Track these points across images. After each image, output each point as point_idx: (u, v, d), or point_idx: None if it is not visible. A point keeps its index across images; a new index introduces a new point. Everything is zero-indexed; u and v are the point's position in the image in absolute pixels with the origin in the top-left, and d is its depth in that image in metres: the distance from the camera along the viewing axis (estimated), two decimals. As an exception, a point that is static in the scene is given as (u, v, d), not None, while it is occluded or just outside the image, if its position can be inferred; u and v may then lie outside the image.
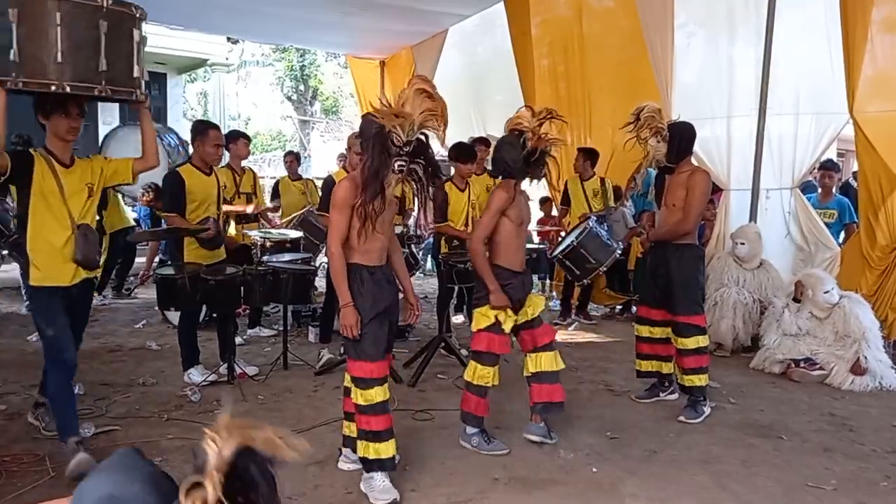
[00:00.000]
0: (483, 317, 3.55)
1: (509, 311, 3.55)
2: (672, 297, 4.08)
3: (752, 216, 5.90)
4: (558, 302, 7.35)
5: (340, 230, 2.98)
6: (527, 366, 3.70)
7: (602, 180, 6.82)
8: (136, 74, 3.24)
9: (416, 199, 3.10)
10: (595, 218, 6.16)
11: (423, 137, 2.91)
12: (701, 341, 4.06)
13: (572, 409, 4.22)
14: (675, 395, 4.36)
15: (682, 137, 3.99)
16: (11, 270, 6.85)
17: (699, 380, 4.05)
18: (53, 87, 2.98)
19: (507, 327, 3.55)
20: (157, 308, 6.78)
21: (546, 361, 3.65)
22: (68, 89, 3.00)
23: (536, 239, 7.98)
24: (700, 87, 6.32)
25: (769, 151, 5.88)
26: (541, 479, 3.25)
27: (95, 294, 7.18)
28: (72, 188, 3.35)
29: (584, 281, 6.05)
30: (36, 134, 3.67)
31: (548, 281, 8.36)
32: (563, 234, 6.82)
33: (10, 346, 5.52)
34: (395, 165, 2.85)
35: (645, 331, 4.34)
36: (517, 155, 3.41)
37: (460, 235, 5.18)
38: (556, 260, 6.11)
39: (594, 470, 3.34)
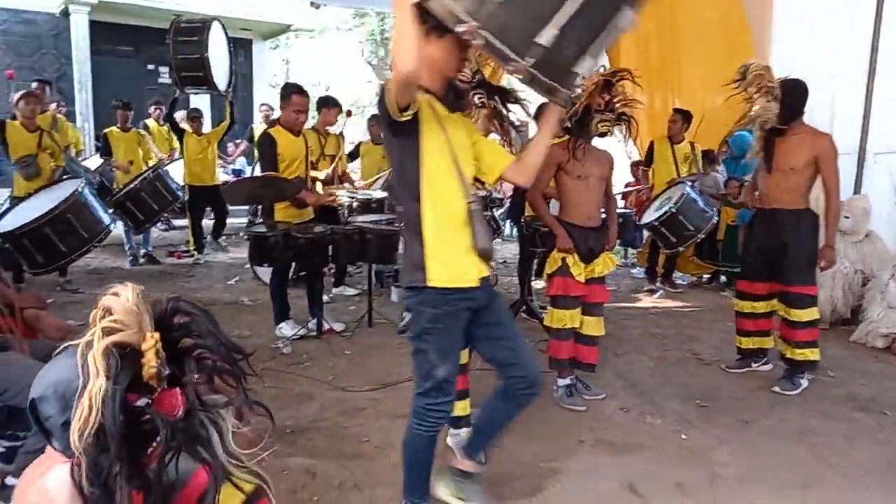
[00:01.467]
0: (553, 261, 3.61)
1: (577, 257, 3.55)
2: (786, 266, 3.85)
3: (858, 183, 5.54)
4: (642, 270, 7.18)
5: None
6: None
7: (692, 145, 6.54)
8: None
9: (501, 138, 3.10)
10: (691, 183, 5.93)
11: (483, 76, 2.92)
12: (814, 313, 3.88)
13: (658, 376, 4.14)
14: (769, 367, 4.19)
15: (794, 96, 3.75)
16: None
17: (812, 353, 3.87)
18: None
19: (577, 273, 3.56)
20: (248, 266, 7.10)
21: (590, 324, 3.68)
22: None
23: (622, 203, 7.76)
24: (801, 45, 5.91)
25: (879, 112, 5.47)
26: (627, 443, 3.22)
27: (195, 253, 7.58)
28: (459, 140, 2.29)
29: (679, 249, 5.86)
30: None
31: (630, 249, 8.18)
32: (649, 198, 6.59)
33: (116, 298, 5.88)
34: (475, 99, 2.84)
35: (747, 306, 4.13)
36: (573, 112, 3.42)
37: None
38: (649, 227, 5.93)
39: (683, 437, 3.28)
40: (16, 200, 5.32)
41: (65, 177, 5.65)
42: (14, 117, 6.21)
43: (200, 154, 7.32)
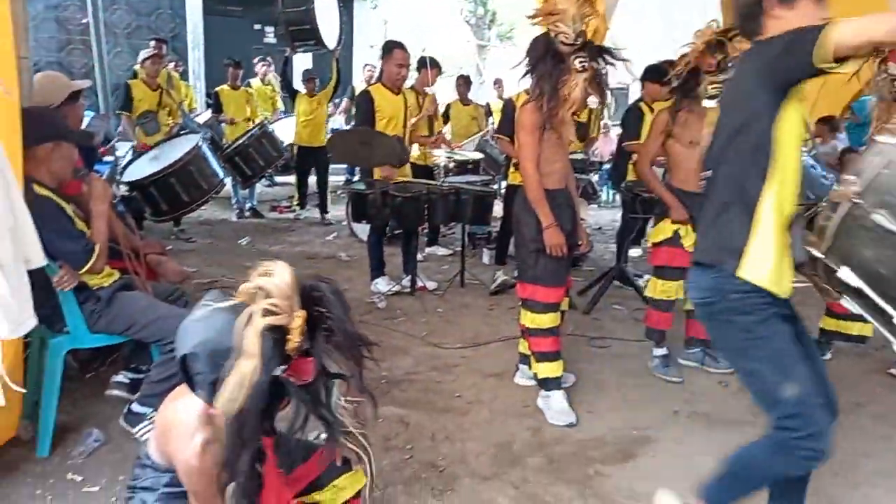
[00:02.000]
0: (661, 231, 3.49)
1: (690, 227, 3.42)
2: None
3: None
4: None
5: (534, 152, 2.96)
6: (684, 301, 3.57)
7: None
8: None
9: (598, 120, 3.03)
10: (805, 149, 5.54)
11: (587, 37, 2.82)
12: None
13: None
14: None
15: None
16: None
17: None
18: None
19: (688, 243, 3.41)
20: (345, 223, 7.32)
21: None
22: None
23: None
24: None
25: None
26: (725, 417, 3.12)
27: (297, 208, 7.85)
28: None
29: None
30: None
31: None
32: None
33: (224, 248, 6.24)
34: (577, 63, 2.76)
35: None
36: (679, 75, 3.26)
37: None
38: None
39: (786, 415, 3.14)
40: (137, 153, 5.68)
41: (182, 132, 5.98)
42: (134, 75, 6.62)
43: (311, 115, 7.36)
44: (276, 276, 1.37)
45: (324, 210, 7.66)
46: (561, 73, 2.79)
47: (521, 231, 3.10)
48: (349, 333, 1.45)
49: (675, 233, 3.44)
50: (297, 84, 7.65)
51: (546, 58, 2.80)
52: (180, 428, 1.50)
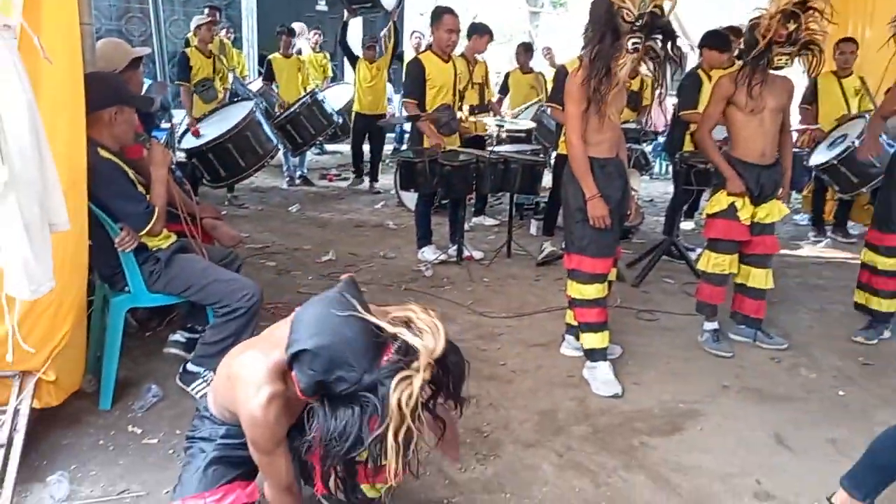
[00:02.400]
0: (717, 202, 3.40)
1: (747, 200, 3.34)
2: None
3: None
4: (807, 216, 6.60)
5: (579, 122, 2.90)
6: (738, 273, 3.49)
7: (862, 80, 5.78)
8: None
9: (653, 89, 2.94)
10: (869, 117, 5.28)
11: (657, 10, 2.68)
12: None
13: (817, 329, 3.86)
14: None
15: None
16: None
17: None
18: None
19: (744, 216, 3.34)
20: (393, 192, 7.36)
21: (757, 277, 3.46)
22: None
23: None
24: None
25: None
26: (776, 393, 3.05)
27: (352, 176, 7.87)
28: None
29: (862, 190, 5.28)
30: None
31: (794, 194, 7.50)
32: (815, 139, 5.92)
33: (275, 215, 6.36)
34: (629, 44, 2.67)
35: None
36: (747, 43, 3.16)
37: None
38: (824, 168, 5.37)
39: (840, 393, 3.06)
40: (194, 120, 5.80)
41: (235, 99, 6.08)
42: (187, 44, 6.72)
43: (371, 82, 7.19)
44: (434, 340, 1.42)
45: (374, 179, 7.69)
46: (616, 51, 2.70)
47: (567, 201, 3.06)
48: (458, 400, 1.57)
49: (731, 205, 3.34)
50: (356, 50, 7.57)
51: (606, 34, 2.71)
52: (247, 380, 1.58)
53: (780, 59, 3.09)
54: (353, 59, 7.33)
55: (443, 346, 1.42)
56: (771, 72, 3.20)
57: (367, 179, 7.82)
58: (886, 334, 3.62)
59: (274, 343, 1.62)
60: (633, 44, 2.68)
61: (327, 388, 1.46)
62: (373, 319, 1.46)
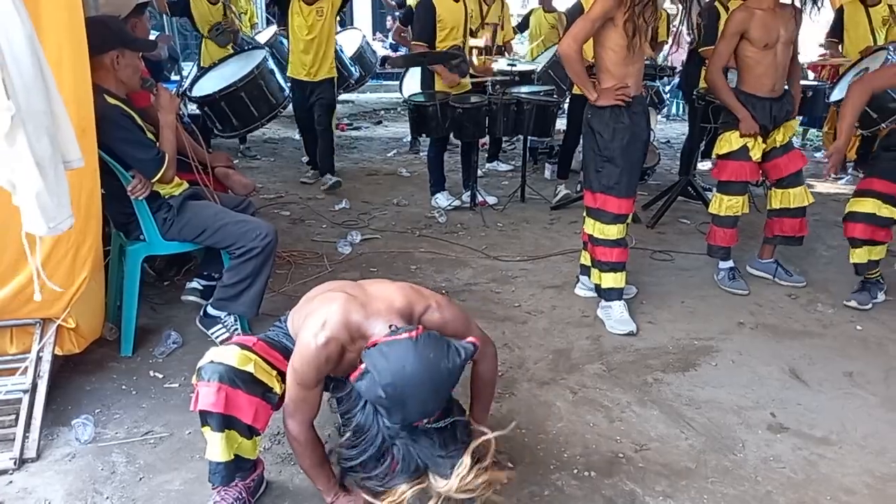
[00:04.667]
0: (727, 142, 3.34)
1: (759, 140, 3.28)
2: None
3: None
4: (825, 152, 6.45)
5: (581, 35, 2.79)
6: (770, 201, 3.44)
7: (891, 7, 5.55)
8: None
9: (668, 23, 2.82)
10: (894, 48, 5.10)
11: None
12: None
13: (836, 265, 3.81)
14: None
15: None
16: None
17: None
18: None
19: (756, 154, 3.29)
20: (405, 140, 7.29)
21: (795, 197, 3.39)
22: None
23: (812, 76, 6.88)
24: None
25: None
26: (792, 329, 3.04)
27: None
28: None
29: (882, 125, 5.13)
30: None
31: (813, 130, 7.33)
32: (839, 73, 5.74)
33: (288, 165, 6.34)
34: None
35: None
36: None
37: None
38: (835, 104, 5.24)
39: (858, 328, 3.04)
40: (203, 70, 5.73)
41: (247, 47, 5.99)
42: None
43: (310, 34, 5.17)
44: (468, 484, 1.48)
45: (327, 170, 5.53)
46: None
47: (593, 139, 2.99)
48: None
49: (744, 146, 3.27)
50: None
51: None
52: (321, 316, 1.63)
53: None
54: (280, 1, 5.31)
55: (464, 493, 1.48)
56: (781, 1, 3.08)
57: (369, 125, 7.54)
58: (881, 297, 3.34)
59: (367, 304, 1.66)
60: None
61: (375, 404, 1.49)
62: (463, 420, 1.56)
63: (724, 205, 3.42)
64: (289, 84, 5.24)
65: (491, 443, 1.56)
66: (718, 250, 3.50)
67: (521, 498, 1.94)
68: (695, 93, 4.76)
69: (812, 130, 7.35)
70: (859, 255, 3.20)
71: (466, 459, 1.46)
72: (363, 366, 1.48)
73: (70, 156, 1.77)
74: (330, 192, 5.22)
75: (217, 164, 3.07)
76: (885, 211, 3.08)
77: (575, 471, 2.06)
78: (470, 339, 1.56)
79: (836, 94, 5.30)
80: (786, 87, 3.34)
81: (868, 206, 3.10)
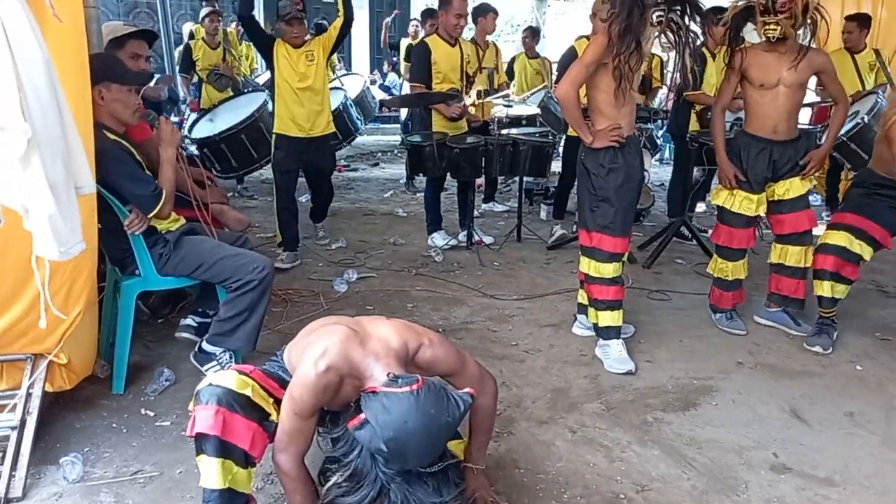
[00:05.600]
0: (720, 192, 3.39)
1: (748, 194, 3.28)
2: None
3: None
4: (819, 196, 6.52)
5: (578, 79, 2.82)
6: (771, 254, 3.43)
7: (877, 52, 5.69)
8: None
9: (661, 70, 2.88)
10: (882, 92, 5.20)
11: None
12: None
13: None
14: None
15: None
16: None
17: None
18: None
19: (757, 210, 3.29)
20: (401, 181, 7.34)
21: (791, 255, 3.34)
22: None
23: (803, 120, 6.96)
24: None
25: None
26: (791, 368, 3.02)
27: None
28: None
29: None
30: None
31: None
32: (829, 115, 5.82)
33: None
34: (654, 17, 2.64)
35: None
36: (734, 19, 3.15)
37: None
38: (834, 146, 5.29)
39: (858, 368, 3.02)
40: (203, 112, 5.81)
41: (246, 90, 6.09)
42: (191, 36, 6.73)
43: (302, 82, 4.31)
44: None
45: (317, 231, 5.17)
46: (643, 25, 2.66)
47: (588, 179, 3.01)
48: None
49: (732, 210, 3.31)
50: None
51: (634, 8, 2.64)
52: (321, 346, 1.64)
53: (769, 30, 3.03)
54: (263, 41, 4.38)
55: None
56: (803, 44, 3.11)
57: (366, 167, 7.55)
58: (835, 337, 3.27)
59: (365, 343, 1.68)
60: (658, 17, 2.65)
61: (371, 450, 1.51)
62: (454, 462, 1.67)
63: (717, 266, 3.45)
64: (274, 142, 4.35)
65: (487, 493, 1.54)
66: (719, 311, 3.49)
67: (520, 540, 1.89)
68: (688, 136, 4.83)
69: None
70: (826, 289, 3.18)
71: None
72: (363, 416, 1.49)
73: (81, 181, 1.78)
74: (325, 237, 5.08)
75: (212, 201, 3.07)
76: (857, 247, 3.10)
77: (575, 512, 2.01)
78: (468, 389, 1.60)
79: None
80: (797, 133, 3.29)
81: (840, 238, 3.13)
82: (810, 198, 6.62)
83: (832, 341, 3.19)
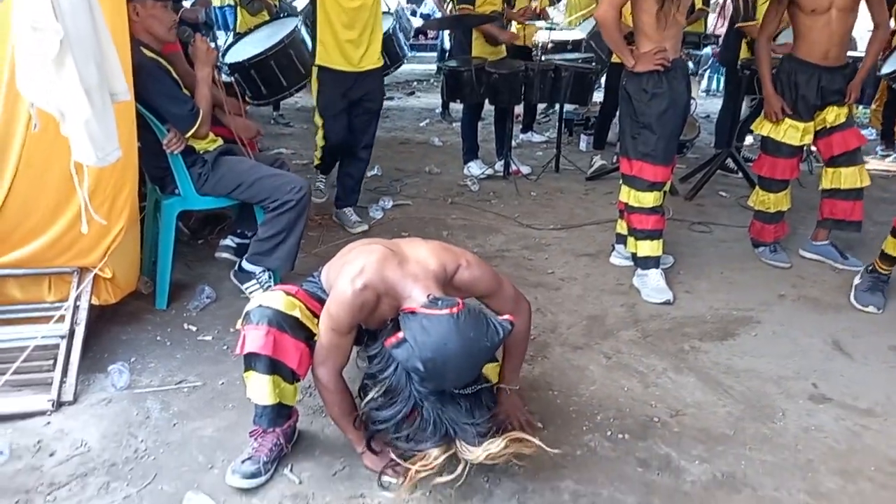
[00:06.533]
0: (763, 122, 3.25)
1: (794, 122, 3.14)
2: None
3: None
4: (874, 131, 6.23)
5: (616, 1, 2.70)
6: (822, 180, 3.29)
7: None
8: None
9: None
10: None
11: None
12: None
13: (879, 242, 3.65)
14: None
15: None
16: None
17: None
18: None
19: (804, 139, 3.15)
20: (437, 111, 7.22)
21: (846, 177, 3.19)
22: None
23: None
24: None
25: None
26: (836, 302, 2.94)
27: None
28: None
29: None
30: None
31: (860, 107, 7.05)
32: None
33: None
34: None
35: None
36: None
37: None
38: (887, 78, 5.03)
39: (905, 303, 2.93)
40: (238, 36, 5.72)
41: (280, 15, 5.97)
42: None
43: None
44: (490, 454, 1.54)
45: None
46: None
47: (630, 105, 2.91)
48: None
49: (784, 137, 3.16)
50: None
51: None
52: (357, 266, 1.64)
53: None
54: None
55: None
56: None
57: (402, 96, 7.38)
58: None
59: (403, 264, 1.67)
60: None
61: (408, 368, 1.50)
62: (488, 385, 1.64)
63: (758, 198, 3.34)
64: (317, 76, 3.69)
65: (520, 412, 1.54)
66: (761, 244, 3.40)
67: (552, 458, 1.90)
68: (740, 63, 4.61)
69: (861, 108, 7.08)
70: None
71: (499, 442, 1.51)
72: (401, 334, 1.49)
73: (116, 88, 1.76)
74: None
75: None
76: None
77: (608, 433, 2.02)
78: (507, 316, 1.58)
79: (886, 68, 5.09)
80: (847, 59, 3.14)
81: None
82: (865, 131, 6.41)
83: (885, 300, 2.91)
